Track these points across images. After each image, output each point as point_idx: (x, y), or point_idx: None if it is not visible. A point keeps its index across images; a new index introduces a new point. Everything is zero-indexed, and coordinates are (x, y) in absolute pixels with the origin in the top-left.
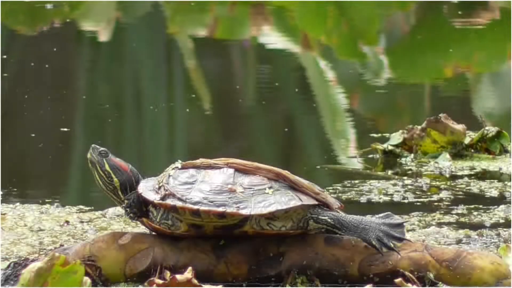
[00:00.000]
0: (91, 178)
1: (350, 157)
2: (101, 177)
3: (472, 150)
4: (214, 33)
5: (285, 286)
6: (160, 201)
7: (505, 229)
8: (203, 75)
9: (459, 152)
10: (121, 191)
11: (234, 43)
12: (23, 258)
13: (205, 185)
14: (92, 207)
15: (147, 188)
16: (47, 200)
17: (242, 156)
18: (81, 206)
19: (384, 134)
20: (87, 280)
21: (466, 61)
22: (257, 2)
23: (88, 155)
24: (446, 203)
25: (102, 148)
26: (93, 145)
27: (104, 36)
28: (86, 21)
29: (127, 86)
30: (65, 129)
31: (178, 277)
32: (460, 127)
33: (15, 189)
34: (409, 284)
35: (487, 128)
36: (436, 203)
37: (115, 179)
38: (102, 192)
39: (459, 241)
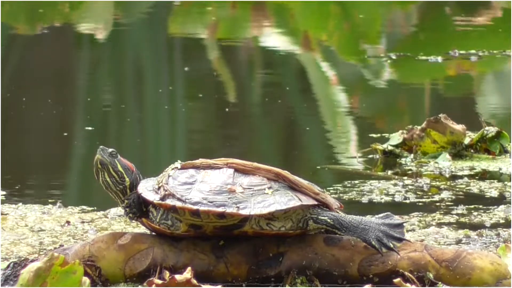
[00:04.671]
0: (93, 178)
1: (350, 157)
2: (112, 178)
3: (472, 151)
4: (215, 33)
5: (285, 286)
6: (160, 201)
7: (504, 229)
8: (201, 77)
9: (459, 152)
10: (130, 190)
11: (235, 43)
12: (22, 258)
13: (205, 185)
14: (94, 208)
15: (146, 188)
16: (49, 201)
17: (242, 156)
18: (84, 207)
19: (384, 135)
20: (86, 280)
21: (468, 61)
22: (258, 2)
23: (98, 157)
24: (446, 203)
25: (111, 149)
26: (101, 147)
27: (104, 36)
28: (86, 21)
29: (128, 86)
30: (67, 129)
31: (178, 277)
32: (459, 127)
33: (18, 190)
34: (408, 284)
35: (487, 128)
36: (436, 203)
37: (127, 179)
38: (107, 191)
39: (459, 241)
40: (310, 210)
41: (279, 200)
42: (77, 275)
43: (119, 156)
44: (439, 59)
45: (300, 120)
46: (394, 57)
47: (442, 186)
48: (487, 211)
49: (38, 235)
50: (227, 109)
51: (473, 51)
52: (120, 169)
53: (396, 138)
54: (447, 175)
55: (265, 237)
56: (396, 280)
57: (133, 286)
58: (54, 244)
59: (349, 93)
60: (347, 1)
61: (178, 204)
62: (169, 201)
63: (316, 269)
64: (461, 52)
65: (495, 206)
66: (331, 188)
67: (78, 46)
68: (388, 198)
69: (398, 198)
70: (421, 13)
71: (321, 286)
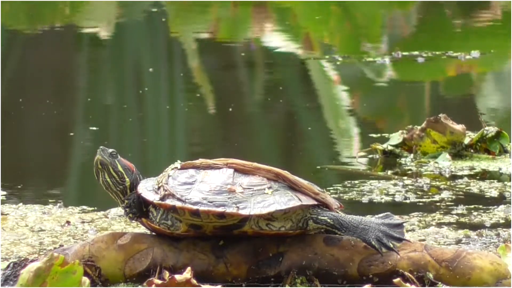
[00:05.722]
0: (94, 179)
1: (350, 157)
2: (112, 178)
3: (472, 150)
4: (217, 33)
5: (285, 286)
6: (160, 201)
7: (504, 229)
8: (206, 75)
9: (458, 152)
10: (130, 191)
11: (236, 43)
12: (22, 258)
13: (205, 185)
14: (95, 208)
15: (146, 189)
16: (50, 201)
17: (243, 156)
18: (84, 207)
19: (384, 134)
20: (86, 280)
21: (468, 61)
22: (259, 2)
23: (98, 157)
24: (446, 203)
25: (111, 149)
26: (101, 147)
27: (105, 36)
28: (87, 21)
29: (129, 87)
30: (68, 129)
31: (177, 277)
32: (459, 127)
33: (19, 190)
34: (408, 284)
35: (486, 128)
36: (436, 203)
37: (127, 179)
38: (107, 191)
39: (458, 241)
40: (310, 210)
41: (279, 200)
42: (77, 275)
43: (119, 156)
44: (387, 60)
45: (301, 120)
46: (391, 58)
47: (442, 186)
48: (487, 211)
49: (38, 235)
50: (230, 109)
51: (416, 53)
52: (120, 169)
53: (396, 138)
54: (447, 175)
55: (265, 237)
56: (396, 280)
57: (133, 286)
58: (54, 244)
59: (350, 93)
60: (347, 1)
61: (178, 204)
62: (169, 201)
63: (316, 269)
64: (404, 53)
65: (495, 206)
66: (331, 188)
67: (78, 46)
68: (388, 198)
69: (398, 198)
70: (421, 14)
71: (321, 286)
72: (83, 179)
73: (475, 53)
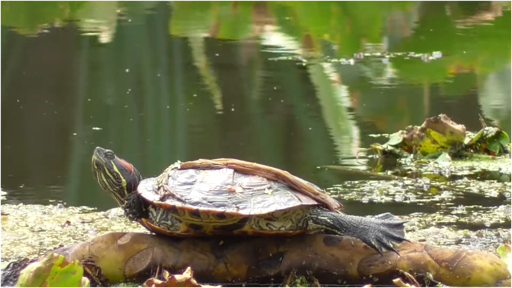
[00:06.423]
0: (94, 179)
1: (350, 157)
2: (108, 178)
3: (472, 151)
4: (217, 33)
5: (285, 286)
6: (160, 202)
7: (504, 229)
8: (206, 75)
9: (458, 152)
10: (127, 191)
11: (236, 43)
12: (22, 259)
13: (205, 186)
14: (95, 208)
15: (146, 189)
16: (50, 201)
17: (243, 156)
18: (84, 207)
19: (383, 134)
20: (86, 280)
21: (469, 61)
22: (260, 2)
23: (94, 158)
24: (446, 203)
25: (107, 150)
26: (97, 148)
27: (105, 36)
28: (87, 21)
29: (129, 87)
30: (69, 129)
31: (177, 277)
32: (459, 127)
33: (19, 190)
34: (408, 284)
35: (486, 128)
36: (436, 203)
37: (123, 180)
38: (105, 191)
39: (458, 241)
40: (310, 210)
41: (279, 200)
42: (77, 275)
43: (115, 157)
44: (351, 61)
45: (301, 120)
46: (393, 56)
47: (442, 186)
48: (487, 211)
49: (38, 235)
50: (232, 109)
51: (378, 53)
52: (116, 170)
53: (396, 138)
54: (447, 175)
55: (265, 237)
56: (396, 280)
57: (133, 286)
58: (54, 244)
59: (350, 93)
60: (348, 1)
61: (178, 204)
62: (169, 201)
63: (315, 269)
64: (366, 54)
65: (495, 206)
66: (331, 188)
67: (78, 46)
68: (388, 198)
69: (398, 198)
70: (421, 14)
71: (321, 286)
72: (83, 179)
73: (437, 54)
